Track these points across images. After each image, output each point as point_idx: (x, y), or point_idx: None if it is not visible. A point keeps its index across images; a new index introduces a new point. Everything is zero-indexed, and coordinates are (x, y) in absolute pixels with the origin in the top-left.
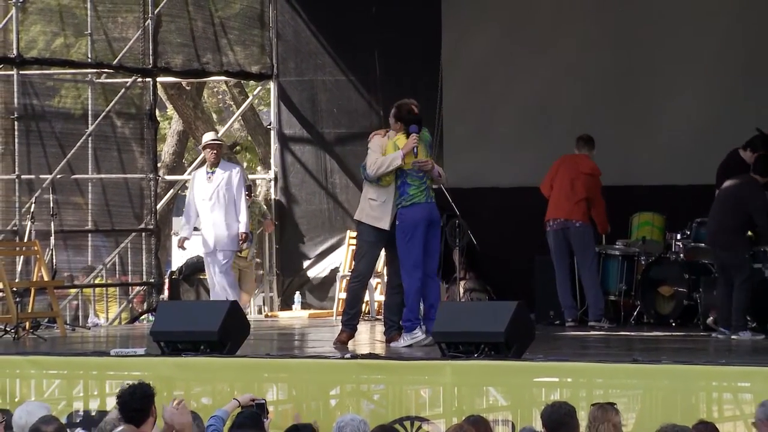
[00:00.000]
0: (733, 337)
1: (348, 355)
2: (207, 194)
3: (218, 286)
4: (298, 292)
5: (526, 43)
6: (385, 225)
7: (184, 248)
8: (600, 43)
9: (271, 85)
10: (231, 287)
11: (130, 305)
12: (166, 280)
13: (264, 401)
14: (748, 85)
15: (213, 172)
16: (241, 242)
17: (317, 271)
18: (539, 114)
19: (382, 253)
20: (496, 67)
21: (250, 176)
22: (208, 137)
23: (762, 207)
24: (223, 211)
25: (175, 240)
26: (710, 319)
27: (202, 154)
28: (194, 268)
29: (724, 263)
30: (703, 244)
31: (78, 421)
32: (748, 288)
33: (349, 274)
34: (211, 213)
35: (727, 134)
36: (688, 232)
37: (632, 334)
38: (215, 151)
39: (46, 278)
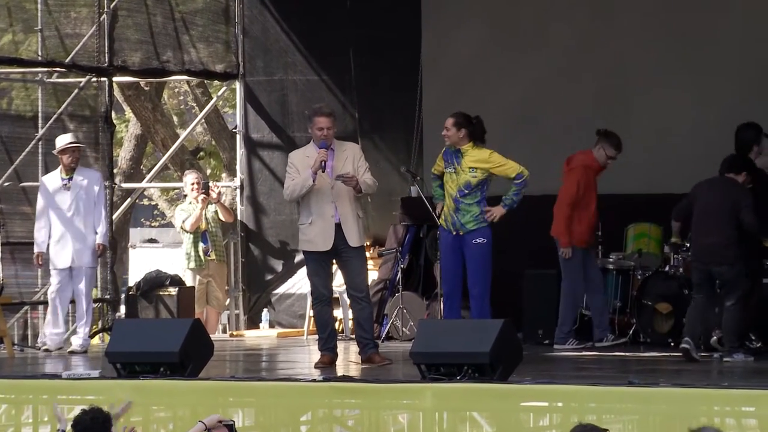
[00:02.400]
0: (726, 359)
1: (320, 378)
2: (65, 204)
3: (78, 310)
4: (265, 310)
5: (512, 41)
6: (319, 246)
7: (41, 264)
8: (590, 42)
9: (237, 86)
10: (90, 309)
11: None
12: (123, 297)
13: (232, 422)
14: (749, 90)
15: (70, 179)
16: (98, 255)
17: (287, 287)
18: (526, 117)
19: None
20: (480, 66)
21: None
22: (65, 140)
23: (751, 204)
24: (83, 223)
25: (133, 253)
26: (713, 339)
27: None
28: (153, 284)
29: (716, 279)
30: None
31: None
32: (742, 306)
33: None
34: (71, 225)
35: (729, 140)
36: (688, 245)
37: (627, 354)
38: (75, 156)
39: None
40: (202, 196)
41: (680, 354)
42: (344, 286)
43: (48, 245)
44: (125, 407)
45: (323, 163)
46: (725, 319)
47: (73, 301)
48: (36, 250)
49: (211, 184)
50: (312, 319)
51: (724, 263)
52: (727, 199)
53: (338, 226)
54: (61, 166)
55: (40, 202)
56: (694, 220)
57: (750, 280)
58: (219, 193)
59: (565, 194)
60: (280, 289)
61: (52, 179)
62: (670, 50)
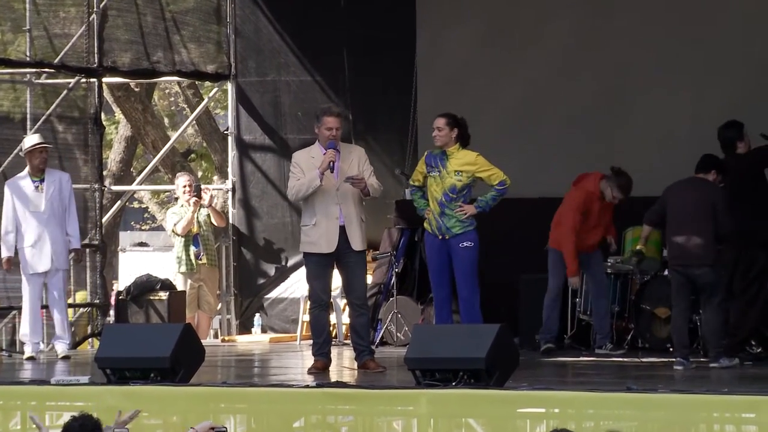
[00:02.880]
0: (712, 365)
1: (313, 384)
2: (39, 206)
3: (56, 315)
4: (258, 315)
5: (509, 41)
6: (322, 248)
7: (9, 268)
8: (589, 42)
9: (229, 86)
10: (66, 310)
11: (73, 328)
12: (113, 301)
13: (225, 429)
14: (749, 91)
15: (41, 181)
16: (76, 261)
17: (279, 292)
18: (523, 118)
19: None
20: (477, 66)
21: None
22: (33, 140)
23: (727, 207)
24: (59, 225)
25: (122, 257)
26: None
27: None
28: (143, 289)
29: (696, 282)
30: None
31: None
32: (724, 309)
33: None
34: (46, 227)
35: None
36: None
37: (626, 360)
38: (43, 157)
39: None
40: (194, 198)
41: (674, 364)
42: (337, 290)
43: (17, 249)
44: (132, 415)
45: (331, 163)
46: (707, 324)
47: (45, 306)
48: (6, 254)
49: (203, 187)
50: (305, 324)
51: (705, 265)
52: (704, 200)
53: (342, 229)
54: (28, 169)
55: (9, 205)
56: (670, 222)
57: (758, 284)
58: (211, 197)
59: (567, 221)
60: (273, 294)
61: (22, 182)
62: (670, 50)
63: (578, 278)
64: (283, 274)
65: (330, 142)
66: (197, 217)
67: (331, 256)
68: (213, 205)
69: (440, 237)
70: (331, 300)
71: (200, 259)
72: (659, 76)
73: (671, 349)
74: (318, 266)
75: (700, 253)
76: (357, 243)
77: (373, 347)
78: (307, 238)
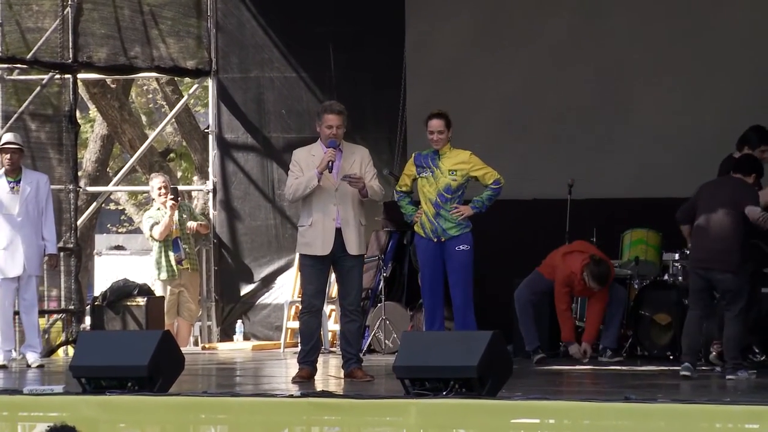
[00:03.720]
0: (729, 377)
1: (298, 393)
2: (14, 209)
3: (27, 322)
4: (240, 321)
5: (502, 36)
6: (317, 250)
7: None
8: (586, 38)
9: (210, 83)
10: (38, 325)
11: (47, 335)
12: (88, 307)
13: None
14: (748, 92)
15: (17, 182)
16: (51, 267)
17: (262, 297)
18: (516, 117)
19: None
20: (468, 62)
21: (184, 187)
22: (5, 139)
23: (758, 202)
24: (34, 229)
25: (98, 261)
26: (713, 355)
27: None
28: (120, 294)
29: (716, 287)
30: None
31: None
32: (745, 318)
33: (299, 300)
34: (21, 230)
35: (727, 142)
36: (687, 252)
37: (624, 368)
38: (15, 157)
39: None
40: (171, 201)
41: (680, 369)
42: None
43: None
44: None
45: (330, 163)
46: (727, 332)
47: (17, 313)
48: None
49: (190, 224)
50: (289, 330)
51: (728, 270)
52: (733, 200)
53: (338, 231)
54: (3, 170)
55: None
56: (697, 221)
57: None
58: (199, 225)
59: (555, 290)
60: (255, 300)
61: None
62: (668, 50)
63: (576, 346)
64: (267, 279)
65: (331, 141)
66: (177, 219)
67: (326, 260)
68: (198, 229)
69: (435, 240)
70: None
71: (182, 264)
72: (657, 76)
73: (671, 357)
74: (313, 269)
75: (723, 256)
76: (353, 247)
77: (361, 355)
78: (302, 239)
